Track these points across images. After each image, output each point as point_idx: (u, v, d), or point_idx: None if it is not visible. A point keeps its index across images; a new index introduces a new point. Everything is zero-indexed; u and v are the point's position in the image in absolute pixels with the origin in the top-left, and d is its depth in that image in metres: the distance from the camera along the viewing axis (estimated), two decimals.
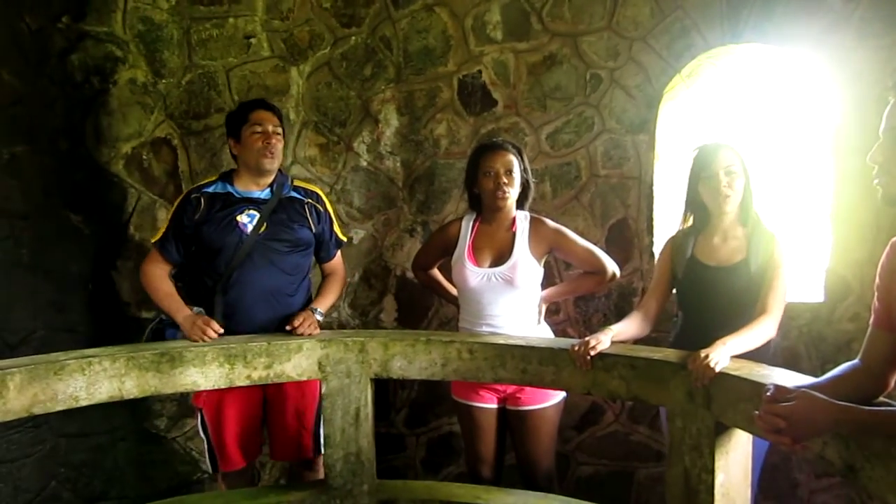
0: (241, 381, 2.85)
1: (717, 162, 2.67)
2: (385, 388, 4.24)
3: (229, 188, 3.07)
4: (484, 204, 3.09)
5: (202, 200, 3.02)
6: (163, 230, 3.06)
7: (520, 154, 3.06)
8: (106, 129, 3.88)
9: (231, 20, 4.04)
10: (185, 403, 4.04)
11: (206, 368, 2.79)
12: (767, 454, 2.73)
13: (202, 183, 3.13)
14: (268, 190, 3.10)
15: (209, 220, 3.00)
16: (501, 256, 3.04)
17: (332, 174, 4.23)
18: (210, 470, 3.15)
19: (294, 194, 3.14)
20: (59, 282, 3.80)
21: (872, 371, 1.90)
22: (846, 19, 3.22)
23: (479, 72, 4.02)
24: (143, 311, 3.98)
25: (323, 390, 2.94)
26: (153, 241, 3.09)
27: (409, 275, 3.76)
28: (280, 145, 3.07)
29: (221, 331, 2.91)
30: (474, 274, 3.03)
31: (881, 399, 1.90)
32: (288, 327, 2.96)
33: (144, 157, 4.00)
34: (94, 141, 3.88)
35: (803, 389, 1.80)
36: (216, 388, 2.86)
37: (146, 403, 3.94)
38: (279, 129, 3.07)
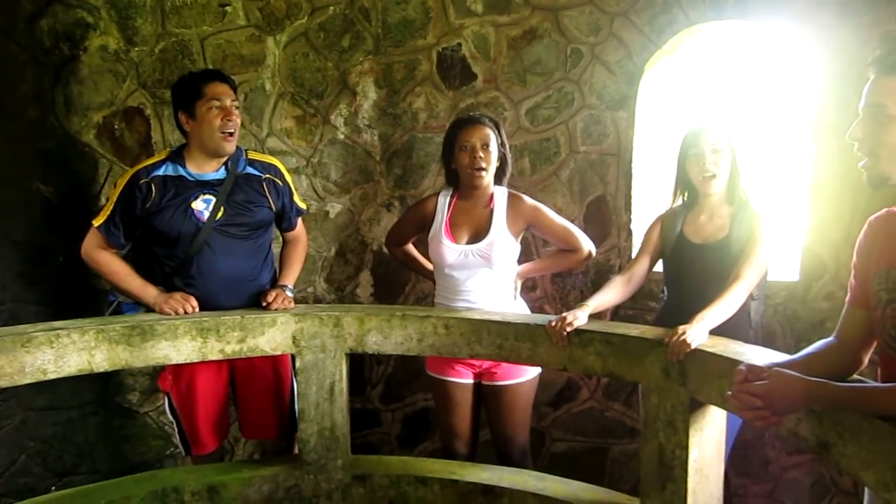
0: (214, 355, 2.82)
1: (703, 140, 2.69)
2: (361, 364, 4.22)
3: (181, 170, 2.88)
4: (461, 179, 3.06)
5: (153, 186, 2.83)
6: (107, 213, 2.85)
7: (497, 128, 3.02)
8: (76, 98, 3.78)
9: None
10: (157, 377, 3.99)
11: (178, 342, 2.75)
12: (740, 431, 2.75)
13: (149, 163, 2.91)
14: (222, 169, 2.92)
15: (162, 208, 2.83)
16: (479, 233, 3.02)
17: (308, 147, 4.17)
18: (183, 452, 3.11)
19: (251, 170, 2.98)
20: (28, 253, 3.72)
21: (847, 348, 1.90)
22: None
23: (459, 45, 3.97)
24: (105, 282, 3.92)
25: (297, 365, 2.91)
26: (95, 223, 2.89)
27: (386, 250, 3.72)
28: (239, 121, 2.89)
29: (197, 306, 2.85)
30: (451, 250, 3.00)
31: (855, 376, 1.91)
32: (262, 302, 2.92)
33: (116, 126, 3.90)
34: (64, 109, 3.77)
35: (776, 367, 1.80)
36: (188, 361, 2.82)
37: (118, 377, 3.88)
38: (236, 102, 2.89)
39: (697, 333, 2.32)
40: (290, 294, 3.00)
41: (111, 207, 2.86)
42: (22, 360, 2.49)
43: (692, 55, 3.82)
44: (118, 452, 3.91)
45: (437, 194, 3.17)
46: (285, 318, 2.87)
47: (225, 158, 2.93)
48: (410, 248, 3.34)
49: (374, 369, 4.30)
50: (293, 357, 2.96)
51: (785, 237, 3.61)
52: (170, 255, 2.90)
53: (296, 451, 3.10)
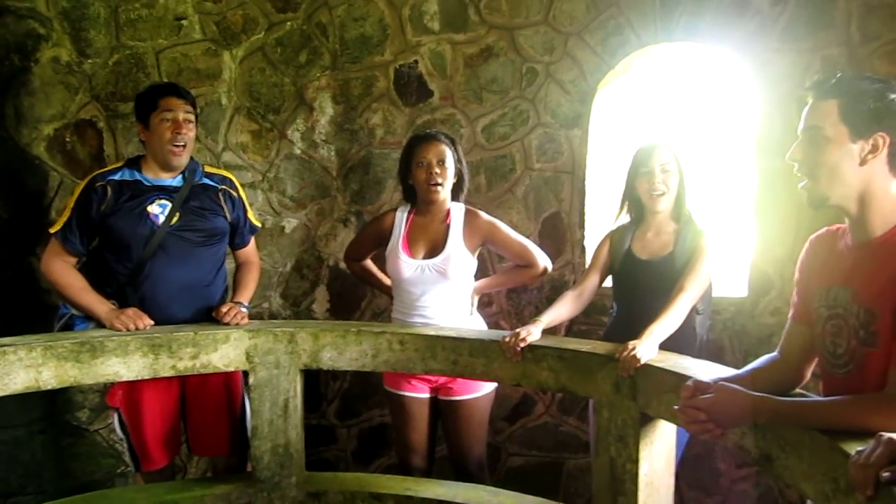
0: (166, 372, 2.79)
1: (653, 159, 2.77)
2: (316, 380, 4.20)
3: (138, 175, 2.91)
4: (418, 195, 3.08)
5: (108, 189, 2.84)
6: (64, 219, 2.85)
7: (453, 145, 3.06)
8: (27, 110, 3.72)
9: (161, 1, 3.92)
10: (107, 394, 3.93)
11: (129, 358, 2.72)
12: (688, 445, 2.80)
13: (107, 169, 2.94)
14: (179, 177, 2.96)
15: (117, 210, 2.83)
16: (435, 248, 3.04)
17: (264, 161, 4.16)
18: (133, 469, 3.06)
19: (207, 181, 3.02)
20: None
21: (790, 363, 1.96)
22: (773, 22, 3.31)
23: (416, 62, 4.00)
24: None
25: (251, 381, 2.89)
26: (53, 231, 2.86)
27: (343, 265, 3.72)
28: (191, 135, 2.92)
29: (152, 322, 2.83)
30: (408, 265, 3.02)
31: (797, 390, 1.97)
32: (214, 314, 2.90)
33: (68, 139, 3.85)
34: (14, 121, 3.71)
35: (721, 382, 1.85)
36: (139, 378, 2.78)
37: (67, 394, 3.81)
38: (191, 117, 2.91)
39: (647, 349, 2.37)
40: (244, 310, 2.98)
41: (68, 214, 2.86)
42: None
43: (643, 75, 3.91)
44: (67, 472, 3.82)
45: (394, 210, 3.19)
46: (239, 335, 2.85)
47: (179, 170, 2.95)
48: (369, 263, 3.35)
49: (330, 385, 4.28)
50: (246, 373, 2.94)
51: (732, 254, 3.70)
52: (123, 262, 2.88)
53: (248, 468, 3.08)
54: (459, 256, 3.02)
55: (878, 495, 1.36)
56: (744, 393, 1.78)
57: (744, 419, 1.82)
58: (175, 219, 2.89)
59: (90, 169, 3.85)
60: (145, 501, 2.82)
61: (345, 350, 2.90)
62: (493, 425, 3.84)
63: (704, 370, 2.20)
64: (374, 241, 3.22)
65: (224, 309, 2.90)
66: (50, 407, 3.78)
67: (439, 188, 2.99)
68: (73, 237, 2.86)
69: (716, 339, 3.46)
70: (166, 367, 2.77)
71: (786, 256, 3.28)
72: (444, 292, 3.04)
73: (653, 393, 2.31)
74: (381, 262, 3.24)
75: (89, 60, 3.84)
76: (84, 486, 3.71)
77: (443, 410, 3.13)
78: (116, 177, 2.88)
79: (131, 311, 2.82)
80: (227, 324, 2.88)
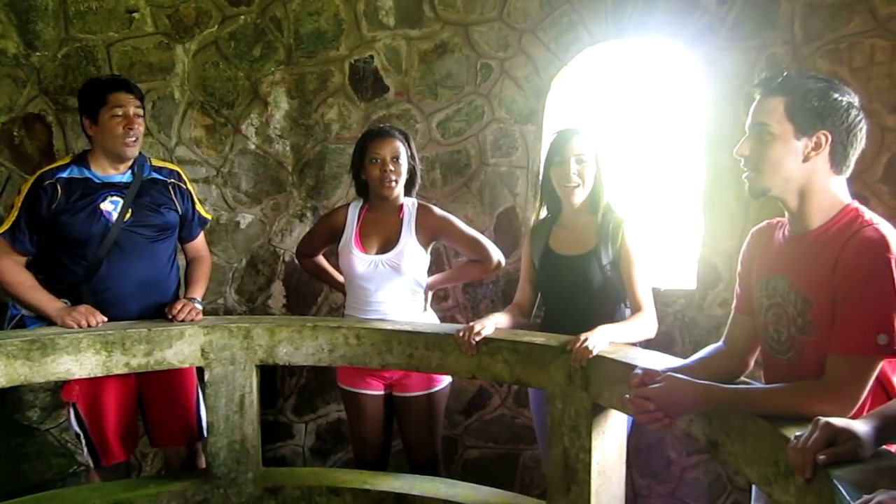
0: (120, 369, 2.77)
1: (568, 149, 2.71)
2: (273, 376, 4.18)
3: (87, 173, 2.88)
4: (371, 191, 3.09)
5: (58, 187, 2.80)
6: (12, 219, 2.81)
7: (407, 141, 3.07)
8: None
9: None
10: (59, 393, 3.86)
11: (81, 356, 2.69)
12: (632, 432, 2.83)
13: (53, 167, 2.89)
14: (129, 173, 2.94)
15: (68, 209, 2.80)
16: (388, 243, 3.05)
17: (218, 156, 4.12)
18: (91, 465, 3.02)
19: (155, 175, 3.01)
20: None
21: (734, 352, 2.03)
22: (720, 21, 3.39)
23: (371, 57, 4.00)
24: None
25: (206, 377, 2.88)
26: (0, 231, 2.82)
27: (297, 261, 3.71)
28: (142, 129, 2.91)
29: (105, 319, 2.80)
30: (361, 260, 3.02)
31: (742, 378, 2.03)
32: (167, 312, 2.88)
33: (16, 133, 3.78)
34: None
35: (668, 372, 1.90)
36: (91, 376, 2.75)
37: (17, 393, 3.74)
38: (140, 111, 2.90)
39: (598, 340, 2.42)
40: (198, 306, 2.97)
41: (16, 213, 2.81)
42: None
43: (596, 71, 3.97)
44: (17, 472, 3.76)
45: (347, 205, 3.19)
46: (194, 331, 2.84)
47: (130, 163, 2.94)
48: (321, 259, 3.35)
49: (287, 381, 4.27)
50: (200, 369, 2.93)
51: (680, 246, 3.79)
52: (77, 260, 2.85)
53: (200, 462, 3.07)
54: (412, 251, 3.04)
55: (815, 477, 1.42)
56: (690, 382, 1.84)
57: (691, 408, 1.88)
58: (128, 215, 2.88)
59: (39, 164, 3.77)
60: (99, 500, 2.80)
61: (301, 345, 2.90)
62: (449, 418, 3.88)
63: (653, 361, 2.25)
64: (327, 236, 3.22)
65: (178, 306, 2.89)
66: None
67: (392, 184, 3.00)
68: (23, 236, 2.82)
69: (666, 330, 3.53)
70: (119, 364, 2.75)
71: (733, 249, 3.34)
72: (397, 287, 3.06)
73: (604, 383, 2.36)
74: (334, 259, 3.25)
75: (37, 53, 3.77)
76: (35, 486, 3.65)
77: (397, 406, 3.15)
78: (65, 174, 2.85)
79: (83, 308, 2.79)
80: (182, 321, 2.86)
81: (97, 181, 2.88)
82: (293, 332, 2.90)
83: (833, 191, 1.79)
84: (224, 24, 4.03)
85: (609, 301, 2.73)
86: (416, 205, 3.11)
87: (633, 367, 2.17)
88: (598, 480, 2.48)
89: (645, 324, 2.64)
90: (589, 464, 2.45)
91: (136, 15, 3.91)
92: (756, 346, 2.01)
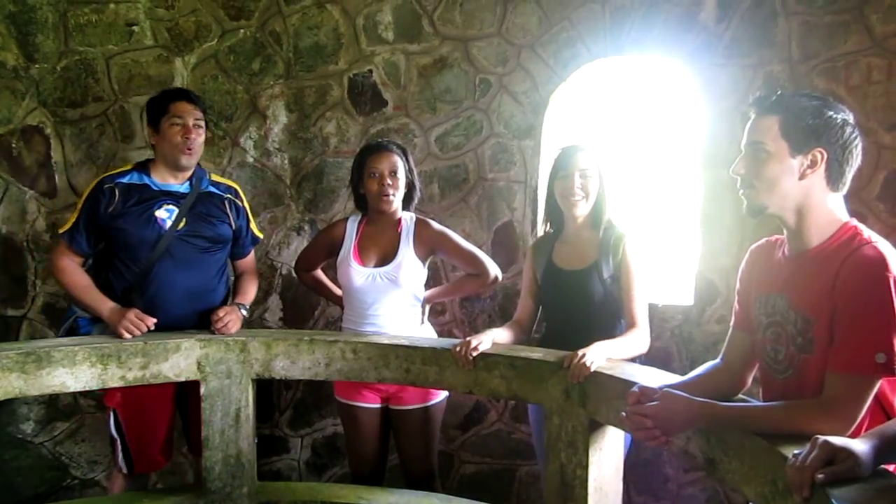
0: (115, 382, 2.75)
1: (572, 164, 2.73)
2: (269, 389, 4.17)
3: (146, 179, 2.96)
4: (369, 205, 3.09)
5: (116, 192, 2.89)
6: (72, 221, 2.90)
7: (405, 155, 3.08)
8: None
9: (112, 6, 3.88)
10: (53, 406, 3.85)
11: (77, 369, 2.67)
12: (631, 449, 2.83)
13: (115, 172, 2.98)
14: (187, 184, 3.01)
15: (125, 213, 2.87)
16: (386, 257, 3.05)
17: (216, 169, 4.10)
18: (124, 471, 3.01)
19: (212, 189, 3.07)
20: None
21: (732, 369, 2.03)
22: (718, 38, 3.41)
23: (370, 71, 4.02)
24: (10, 308, 3.77)
25: (202, 391, 2.87)
26: (61, 231, 2.92)
27: (295, 275, 3.71)
28: (200, 139, 2.97)
29: (154, 321, 2.83)
30: (359, 274, 3.02)
31: (739, 396, 2.03)
32: (214, 318, 2.91)
33: (14, 145, 3.79)
34: None
35: (666, 389, 1.90)
36: (87, 389, 2.73)
37: (11, 406, 3.72)
38: (201, 123, 2.97)
39: (596, 356, 2.41)
40: (244, 313, 3.04)
41: (77, 215, 2.90)
42: None
43: (594, 87, 3.98)
44: (10, 486, 3.73)
45: (345, 219, 3.19)
46: (189, 344, 2.83)
47: (189, 174, 3.01)
48: (319, 273, 3.35)
49: (283, 395, 4.25)
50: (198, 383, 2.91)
51: (677, 263, 3.79)
52: (129, 265, 2.90)
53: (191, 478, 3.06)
54: (410, 265, 3.04)
55: (813, 496, 1.41)
56: (688, 399, 1.84)
57: (688, 424, 1.88)
58: (182, 224, 2.94)
59: (37, 177, 3.79)
60: None
61: (297, 359, 2.89)
62: (445, 433, 3.86)
63: (651, 377, 2.25)
64: (325, 250, 3.22)
65: (221, 313, 2.92)
66: None
67: (391, 198, 3.00)
68: (81, 238, 2.90)
69: (664, 346, 3.53)
70: (115, 377, 2.74)
71: (730, 266, 3.37)
72: (395, 301, 3.05)
73: (601, 399, 2.35)
74: (332, 272, 3.25)
75: (37, 65, 3.79)
76: (28, 500, 3.63)
77: (394, 420, 3.14)
78: (125, 180, 2.93)
79: (132, 315, 2.81)
80: (219, 330, 2.90)
81: (155, 188, 2.95)
82: (290, 345, 2.89)
83: (830, 208, 1.80)
84: (224, 38, 4.04)
85: (609, 315, 2.73)
86: (414, 219, 3.11)
87: (631, 383, 2.16)
88: (595, 497, 2.46)
89: (638, 340, 2.65)
90: (586, 480, 2.44)
91: (135, 28, 3.93)
92: (754, 363, 2.01)
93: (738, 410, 1.83)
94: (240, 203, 3.13)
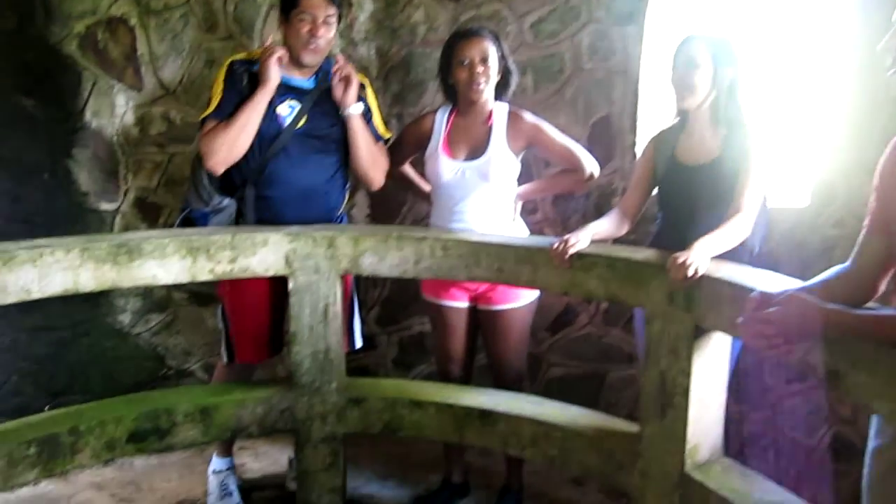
0: (204, 276, 2.73)
1: (684, 54, 2.55)
2: (356, 286, 4.14)
3: None
4: (459, 95, 2.93)
5: (245, 78, 2.82)
6: (216, 100, 2.81)
7: (497, 41, 2.88)
8: (56, 6, 3.59)
9: None
10: (149, 299, 3.93)
11: (167, 261, 2.66)
12: (739, 358, 2.68)
13: (244, 57, 2.91)
14: (312, 78, 2.92)
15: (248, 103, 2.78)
16: (477, 150, 2.91)
17: None
18: (224, 360, 3.08)
19: None
20: (13, 171, 3.61)
21: (863, 275, 1.82)
22: None
23: None
24: (103, 202, 3.81)
25: (290, 286, 2.83)
26: (205, 115, 2.82)
27: None
28: (328, 35, 2.84)
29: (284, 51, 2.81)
30: (448, 168, 2.90)
31: (870, 304, 1.83)
32: (333, 70, 2.87)
33: (100, 37, 3.72)
34: (43, 18, 3.59)
35: (792, 293, 1.72)
36: (177, 282, 2.73)
37: (108, 298, 3.82)
38: (332, 20, 2.83)
39: (700, 259, 2.22)
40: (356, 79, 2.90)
41: (219, 94, 2.82)
42: (4, 278, 2.39)
43: None
44: (110, 374, 3.87)
45: (434, 111, 3.05)
46: (277, 238, 2.78)
47: (315, 69, 2.91)
48: (407, 168, 3.24)
49: (370, 292, 4.24)
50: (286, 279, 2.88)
51: (794, 161, 3.49)
52: (247, 159, 2.83)
53: (281, 372, 3.06)
54: (502, 159, 2.89)
55: None
56: (816, 305, 1.66)
57: (815, 333, 1.70)
58: (302, 122, 2.86)
59: (124, 69, 3.75)
60: (187, 404, 2.82)
61: (386, 255, 2.81)
62: (534, 335, 3.76)
63: (767, 281, 2.06)
64: (413, 144, 3.09)
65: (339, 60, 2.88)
66: (93, 310, 3.80)
67: (481, 87, 2.84)
68: (228, 111, 2.79)
69: (771, 250, 3.29)
70: (204, 270, 2.72)
71: (853, 163, 3.06)
72: (485, 197, 2.93)
73: (710, 305, 2.18)
74: (420, 168, 3.13)
75: None
76: (127, 388, 3.75)
77: (482, 320, 3.06)
78: (255, 68, 2.83)
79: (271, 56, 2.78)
80: (339, 73, 2.86)
81: (280, 82, 2.84)
82: (378, 241, 2.81)
83: None
84: None
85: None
86: (506, 110, 2.94)
87: (743, 288, 1.99)
88: (697, 407, 2.33)
89: (740, 225, 2.42)
90: (687, 389, 2.30)
91: None
92: (889, 268, 1.79)
93: (872, 319, 1.65)
94: (366, 100, 2.99)
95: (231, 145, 2.77)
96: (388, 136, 3.12)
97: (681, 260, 2.21)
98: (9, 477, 2.46)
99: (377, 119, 3.06)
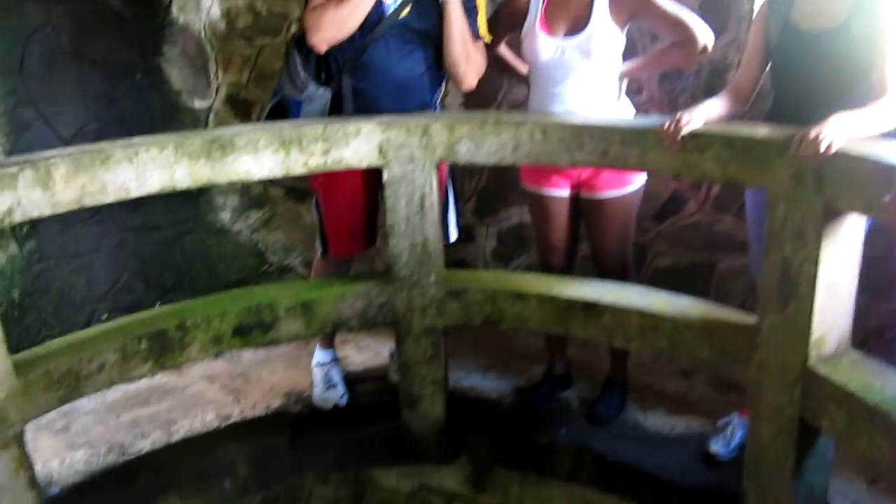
0: (298, 169, 2.68)
1: None
2: (452, 177, 4.04)
3: None
4: None
5: None
6: None
7: None
8: None
9: None
10: (248, 195, 3.95)
11: (260, 155, 2.61)
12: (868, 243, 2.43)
13: None
14: None
15: None
16: (577, 25, 2.69)
17: None
18: (319, 253, 3.10)
19: None
20: (105, 71, 3.59)
21: None
22: None
23: None
24: (196, 99, 3.79)
25: (385, 178, 2.75)
26: (307, 9, 2.72)
27: None
28: None
29: None
30: (547, 45, 2.70)
31: None
32: None
33: None
34: None
35: None
36: (271, 176, 2.69)
37: (208, 196, 3.86)
38: None
39: (834, 133, 1.97)
40: None
41: None
42: (102, 178, 2.39)
43: None
44: (214, 270, 3.95)
45: None
46: (370, 128, 2.68)
47: None
48: (503, 48, 3.05)
49: (467, 183, 4.13)
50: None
51: None
52: (344, 46, 2.74)
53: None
54: (605, 33, 2.67)
55: None
56: None
57: None
58: (405, 11, 2.74)
59: None
60: (287, 299, 2.83)
61: (482, 142, 2.67)
62: (639, 224, 3.59)
63: None
64: (509, 22, 2.90)
65: None
66: (193, 208, 3.86)
67: None
68: None
69: None
70: (298, 163, 2.66)
71: None
72: (587, 76, 2.72)
73: (844, 184, 1.95)
74: (517, 48, 2.94)
75: None
76: (231, 283, 3.83)
77: (585, 208, 2.92)
78: None
79: None
80: None
81: None
82: (474, 128, 2.67)
83: None
84: None
85: (859, 87, 2.22)
86: None
87: (886, 165, 1.77)
88: (825, 295, 2.14)
89: (890, 111, 2.12)
90: (814, 276, 2.10)
91: None
92: None
93: None
94: None
95: (342, 23, 2.66)
96: (488, 39, 2.93)
97: (812, 135, 1.97)
98: (124, 370, 2.55)
99: (481, 18, 2.88)
